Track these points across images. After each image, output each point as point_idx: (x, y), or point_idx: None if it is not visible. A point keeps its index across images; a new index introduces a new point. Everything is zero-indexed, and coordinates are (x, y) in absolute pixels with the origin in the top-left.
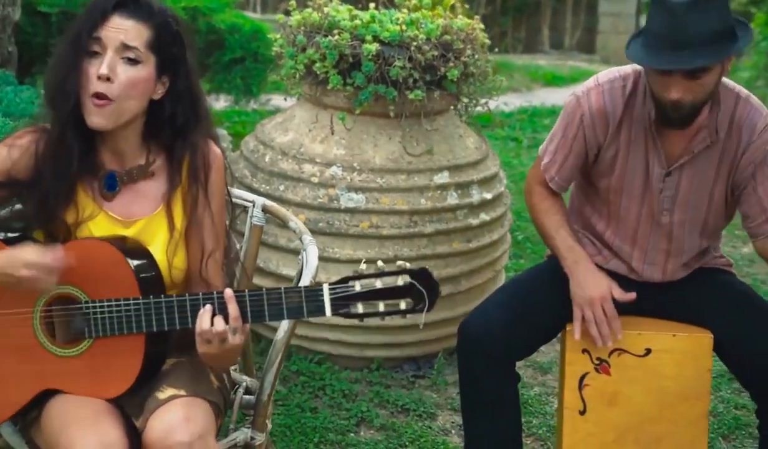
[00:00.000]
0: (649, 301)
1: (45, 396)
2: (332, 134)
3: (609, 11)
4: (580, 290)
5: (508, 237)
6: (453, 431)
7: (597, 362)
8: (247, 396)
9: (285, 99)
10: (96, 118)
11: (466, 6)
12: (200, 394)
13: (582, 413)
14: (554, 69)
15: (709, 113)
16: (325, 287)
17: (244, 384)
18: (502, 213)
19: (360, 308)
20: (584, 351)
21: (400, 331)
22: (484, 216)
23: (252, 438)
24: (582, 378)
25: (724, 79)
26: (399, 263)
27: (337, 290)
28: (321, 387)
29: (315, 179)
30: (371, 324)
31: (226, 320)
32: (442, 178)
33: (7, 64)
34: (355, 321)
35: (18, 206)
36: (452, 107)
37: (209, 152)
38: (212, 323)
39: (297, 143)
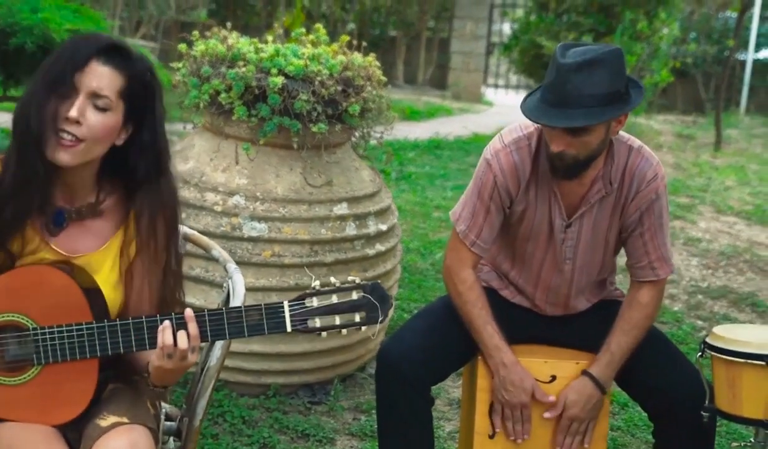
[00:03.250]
0: (553, 332)
1: None
2: (236, 163)
3: (460, 50)
4: (505, 393)
5: (399, 268)
6: None
7: None
8: (168, 423)
9: (184, 127)
10: (63, 155)
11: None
12: (141, 421)
13: (491, 437)
14: (411, 103)
15: (604, 166)
16: (286, 304)
17: (164, 411)
18: (394, 244)
19: (318, 322)
20: (494, 375)
21: (297, 358)
22: (380, 247)
23: None
24: (492, 404)
25: (621, 132)
26: (350, 278)
27: (296, 307)
28: (220, 413)
29: (218, 208)
30: (269, 351)
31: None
32: (342, 209)
33: None
34: (255, 348)
35: None
36: (349, 140)
37: (166, 204)
38: (175, 340)
39: (198, 171)
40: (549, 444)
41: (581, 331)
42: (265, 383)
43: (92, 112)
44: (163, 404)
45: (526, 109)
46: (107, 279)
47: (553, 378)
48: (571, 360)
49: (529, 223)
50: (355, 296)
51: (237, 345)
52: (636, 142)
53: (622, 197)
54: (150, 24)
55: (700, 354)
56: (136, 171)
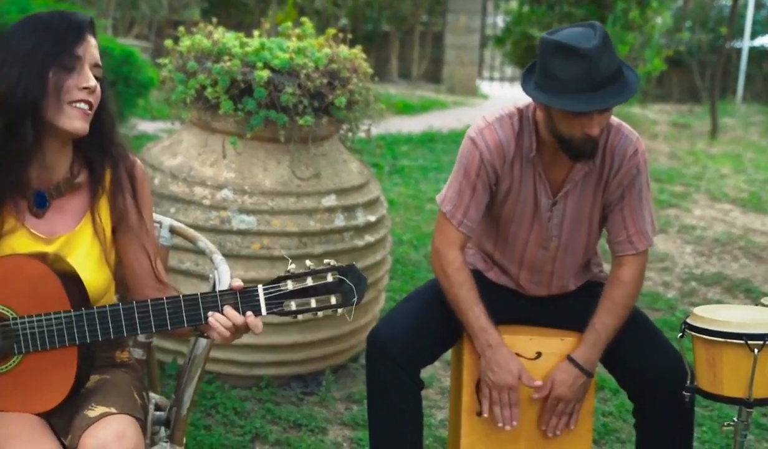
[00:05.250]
0: (538, 313)
1: None
2: (224, 157)
3: (454, 44)
4: (492, 375)
5: (389, 259)
6: (345, 444)
7: None
8: (157, 413)
9: (172, 123)
10: (79, 122)
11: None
12: (129, 411)
13: (479, 414)
14: (405, 98)
15: None
16: (260, 288)
17: (154, 401)
18: (384, 235)
19: (293, 305)
20: (480, 356)
21: (288, 350)
22: (369, 238)
23: None
24: (479, 381)
25: None
26: (326, 261)
27: (271, 290)
28: (213, 405)
29: (206, 202)
30: (261, 343)
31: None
32: (330, 201)
33: None
34: (246, 339)
35: None
36: (337, 133)
37: (132, 162)
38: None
39: (186, 166)
40: (536, 427)
41: (566, 312)
42: (257, 374)
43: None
44: (152, 394)
45: (559, 104)
46: (87, 259)
47: (539, 354)
48: (556, 337)
49: (513, 202)
50: (330, 278)
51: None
52: (615, 119)
53: (604, 175)
54: (143, 23)
55: (680, 334)
56: (103, 129)
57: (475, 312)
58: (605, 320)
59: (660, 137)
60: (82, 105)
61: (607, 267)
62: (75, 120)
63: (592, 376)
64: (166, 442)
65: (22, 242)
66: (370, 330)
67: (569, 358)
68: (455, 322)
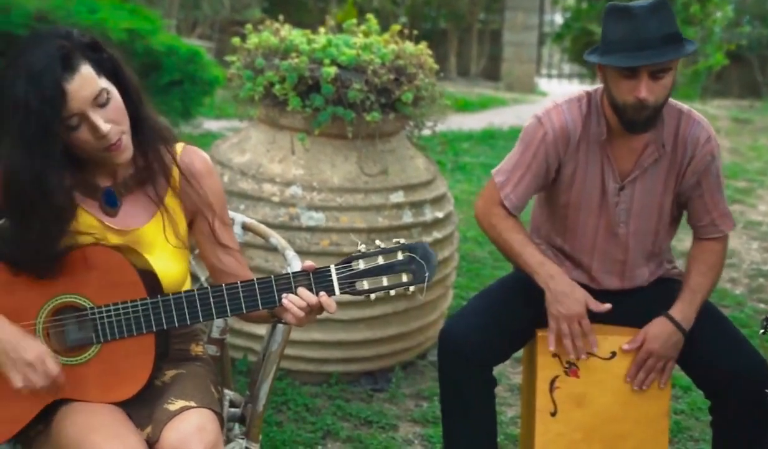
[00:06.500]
0: (611, 309)
1: (50, 408)
2: (292, 154)
3: (512, 41)
4: (558, 305)
5: (456, 256)
6: (416, 441)
7: (567, 365)
8: (232, 409)
9: (240, 121)
10: (120, 156)
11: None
12: (208, 405)
13: (553, 414)
14: (464, 96)
15: (654, 129)
16: (332, 268)
17: (228, 397)
18: (451, 232)
19: (366, 284)
20: (554, 355)
21: (357, 346)
22: (437, 234)
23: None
24: (552, 381)
25: (669, 99)
26: (395, 239)
27: (343, 270)
28: (284, 401)
29: (275, 199)
30: (330, 339)
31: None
32: (398, 197)
33: None
34: (316, 336)
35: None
36: (403, 129)
37: (201, 159)
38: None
39: (255, 163)
40: (611, 427)
41: (639, 308)
42: (326, 371)
43: (102, 112)
44: (226, 391)
45: (603, 61)
46: (160, 253)
47: (613, 354)
48: (631, 336)
49: (580, 186)
50: (401, 256)
51: (298, 334)
52: (684, 107)
53: (677, 163)
54: (205, 24)
55: (762, 330)
56: (140, 114)
57: (529, 250)
58: (699, 280)
59: (721, 132)
60: (112, 147)
61: (680, 265)
62: (117, 158)
63: (685, 333)
64: (242, 439)
65: (100, 236)
66: (440, 328)
67: (665, 314)
68: (527, 320)
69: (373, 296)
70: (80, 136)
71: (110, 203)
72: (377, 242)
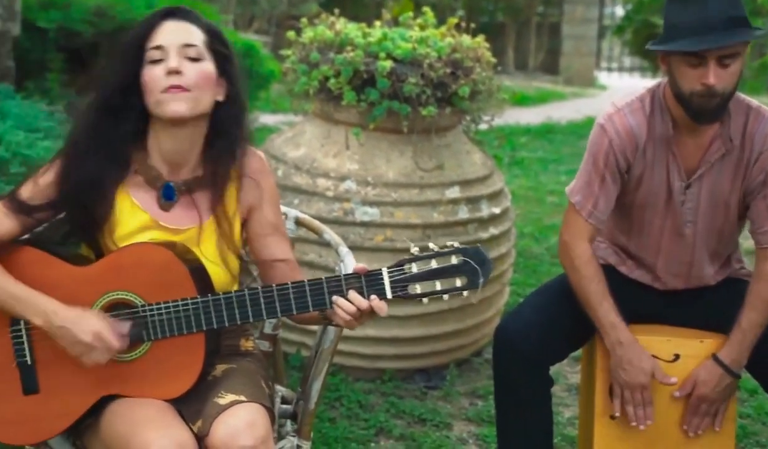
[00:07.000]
0: (674, 310)
1: (101, 402)
2: (346, 148)
3: (571, 34)
4: (623, 373)
5: (513, 252)
6: (470, 441)
7: None
8: (284, 406)
9: (295, 115)
10: (174, 105)
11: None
12: (259, 400)
13: (613, 418)
14: (522, 89)
15: (721, 124)
16: (384, 271)
17: (280, 394)
18: (508, 228)
19: (418, 288)
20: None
21: (411, 343)
22: (493, 230)
23: (299, 446)
24: (611, 385)
25: (737, 94)
26: (449, 243)
27: (396, 273)
28: (337, 397)
29: (330, 193)
30: (384, 336)
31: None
32: (453, 192)
33: (5, 78)
34: (369, 332)
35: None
36: (459, 124)
37: (258, 159)
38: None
39: (309, 157)
40: (674, 430)
41: (705, 310)
42: (380, 367)
43: (188, 64)
44: (278, 387)
45: (668, 47)
46: (213, 253)
47: (677, 356)
48: (696, 339)
49: (646, 188)
50: (455, 260)
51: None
52: (753, 102)
53: (744, 159)
54: (262, 18)
55: None
56: (236, 126)
57: (604, 307)
58: (751, 317)
59: None
60: (172, 89)
61: (749, 264)
62: (170, 104)
63: (738, 377)
64: (294, 436)
65: (151, 233)
66: (496, 325)
67: (714, 357)
68: (586, 319)
69: (425, 300)
70: (153, 72)
71: (168, 197)
72: (430, 244)
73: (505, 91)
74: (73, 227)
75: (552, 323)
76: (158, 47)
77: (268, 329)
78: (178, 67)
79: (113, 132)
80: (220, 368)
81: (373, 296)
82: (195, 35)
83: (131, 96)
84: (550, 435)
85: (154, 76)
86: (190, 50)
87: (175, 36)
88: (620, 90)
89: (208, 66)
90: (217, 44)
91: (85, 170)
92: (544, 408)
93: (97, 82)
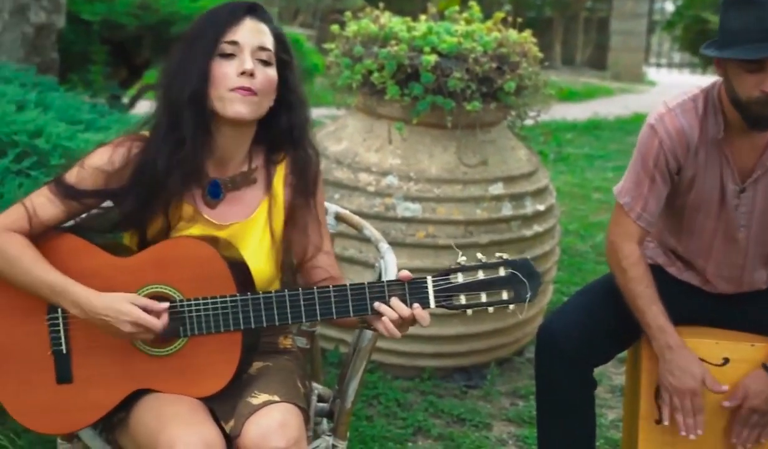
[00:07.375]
0: (723, 313)
1: (133, 397)
2: (389, 143)
3: (620, 29)
4: (672, 378)
5: (557, 250)
6: (510, 442)
7: None
8: (320, 404)
9: (338, 108)
10: (240, 106)
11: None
12: (292, 400)
13: (657, 422)
14: (569, 85)
15: None
16: (429, 280)
17: (317, 392)
18: (552, 225)
19: (463, 299)
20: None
21: (451, 341)
22: (537, 228)
23: (334, 446)
24: (658, 387)
25: None
26: (498, 254)
27: (441, 282)
28: (374, 395)
29: (371, 188)
30: (423, 333)
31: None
32: (497, 189)
33: (49, 70)
34: (409, 330)
35: (107, 204)
36: (504, 119)
37: (312, 160)
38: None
39: (351, 152)
40: (722, 435)
41: (756, 313)
42: (419, 365)
43: (259, 67)
44: (315, 385)
45: (725, 54)
46: (257, 249)
47: (726, 360)
48: (746, 342)
49: (699, 190)
50: (502, 272)
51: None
52: None
53: None
54: (307, 12)
55: None
56: (292, 128)
57: (653, 311)
58: None
59: None
60: (242, 90)
61: None
62: (235, 104)
63: None
64: (329, 435)
65: (195, 227)
66: (539, 324)
67: (764, 366)
68: (633, 321)
69: (469, 311)
70: (225, 68)
71: (213, 195)
72: (479, 255)
73: (551, 87)
74: (127, 216)
75: (597, 324)
76: (234, 43)
77: (306, 326)
78: (253, 69)
79: (188, 129)
80: (255, 365)
81: (415, 305)
82: (269, 39)
83: (203, 86)
84: (592, 438)
85: (226, 71)
86: (263, 54)
87: (252, 36)
88: (669, 86)
89: (274, 72)
90: (281, 51)
91: (162, 162)
92: (587, 410)
93: (169, 70)
